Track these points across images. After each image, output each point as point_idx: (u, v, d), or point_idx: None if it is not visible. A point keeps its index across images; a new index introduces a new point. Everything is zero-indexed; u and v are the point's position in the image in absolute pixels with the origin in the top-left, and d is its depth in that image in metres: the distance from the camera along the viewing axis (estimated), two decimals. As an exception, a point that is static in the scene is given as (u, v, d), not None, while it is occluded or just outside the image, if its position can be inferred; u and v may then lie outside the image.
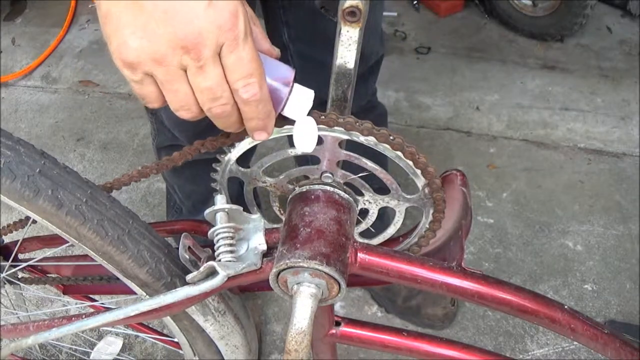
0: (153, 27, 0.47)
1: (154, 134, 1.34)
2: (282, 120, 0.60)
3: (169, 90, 0.51)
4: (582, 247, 1.69)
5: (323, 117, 0.61)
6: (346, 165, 0.67)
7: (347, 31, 0.56)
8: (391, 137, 0.61)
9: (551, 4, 2.38)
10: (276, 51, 0.61)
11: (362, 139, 0.62)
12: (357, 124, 0.61)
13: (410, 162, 0.63)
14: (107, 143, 2.11)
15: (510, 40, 2.50)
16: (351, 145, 0.65)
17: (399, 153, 0.62)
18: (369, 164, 0.65)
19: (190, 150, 0.68)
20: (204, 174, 1.31)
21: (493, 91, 2.25)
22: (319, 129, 0.62)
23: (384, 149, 0.62)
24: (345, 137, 0.62)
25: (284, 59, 1.19)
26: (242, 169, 0.70)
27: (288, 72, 0.58)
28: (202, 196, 1.43)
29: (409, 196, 0.68)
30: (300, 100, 0.58)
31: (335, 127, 0.61)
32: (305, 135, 0.59)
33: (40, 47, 2.56)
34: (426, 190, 0.66)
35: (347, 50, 0.58)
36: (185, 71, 0.50)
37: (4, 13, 2.78)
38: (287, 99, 0.58)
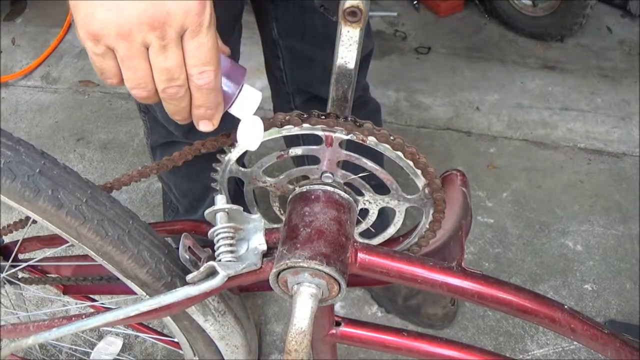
0: (123, 2, 0.48)
1: (147, 132, 1.34)
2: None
3: (128, 67, 0.52)
4: (582, 247, 1.69)
5: (323, 117, 0.61)
6: (346, 165, 0.67)
7: (348, 31, 0.56)
8: (392, 138, 0.61)
9: (551, 4, 2.38)
10: (227, 49, 0.61)
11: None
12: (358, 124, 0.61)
13: (411, 162, 0.63)
14: (107, 143, 2.11)
15: (510, 40, 2.50)
16: (350, 145, 0.65)
17: (400, 153, 0.62)
18: (369, 164, 0.65)
19: (191, 150, 0.68)
20: (201, 172, 1.31)
21: (493, 91, 2.25)
22: (324, 129, 0.62)
23: (385, 149, 0.62)
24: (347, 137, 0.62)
25: (274, 54, 1.19)
26: (242, 169, 0.70)
27: (240, 71, 0.59)
28: (199, 194, 1.43)
29: (409, 196, 0.68)
30: (248, 100, 0.59)
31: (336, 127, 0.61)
32: (251, 133, 0.60)
33: (40, 47, 2.56)
34: (426, 191, 0.66)
35: (347, 50, 0.58)
36: (147, 49, 0.51)
37: (4, 13, 2.78)
38: (236, 97, 0.58)
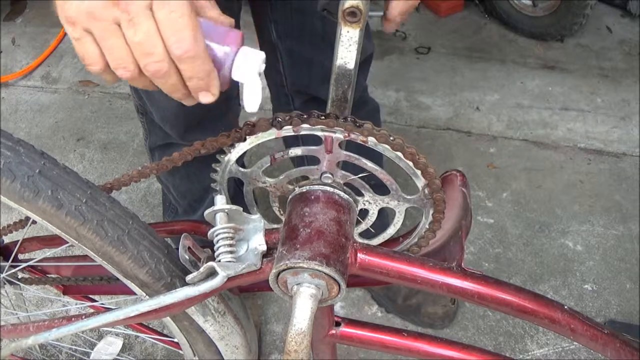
0: None
1: (145, 134, 1.34)
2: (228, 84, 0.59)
3: (106, 48, 0.52)
4: (582, 247, 1.69)
5: (323, 117, 0.61)
6: (345, 165, 0.67)
7: (348, 31, 0.56)
8: (391, 138, 0.61)
9: (551, 4, 2.38)
10: (228, 20, 0.59)
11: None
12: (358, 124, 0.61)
13: (410, 163, 0.63)
14: (107, 143, 2.11)
15: (510, 40, 2.50)
16: (349, 145, 0.65)
17: (399, 153, 0.62)
18: (368, 165, 0.65)
19: (190, 151, 0.68)
20: (199, 173, 1.31)
21: (493, 91, 2.25)
22: (323, 130, 0.62)
23: (384, 149, 0.62)
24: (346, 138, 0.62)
25: (273, 56, 1.19)
26: (242, 170, 0.70)
27: (233, 34, 0.57)
28: (197, 195, 1.43)
29: (409, 197, 0.68)
30: (247, 62, 0.57)
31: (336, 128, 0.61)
32: (252, 96, 0.58)
33: (40, 47, 2.56)
34: (426, 191, 0.66)
35: (347, 50, 0.58)
36: (121, 27, 0.51)
37: (4, 13, 2.78)
38: (232, 62, 0.56)
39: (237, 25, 1.10)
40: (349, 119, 0.61)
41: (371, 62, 1.23)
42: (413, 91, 2.26)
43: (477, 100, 2.21)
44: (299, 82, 1.18)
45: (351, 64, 0.60)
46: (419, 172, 0.64)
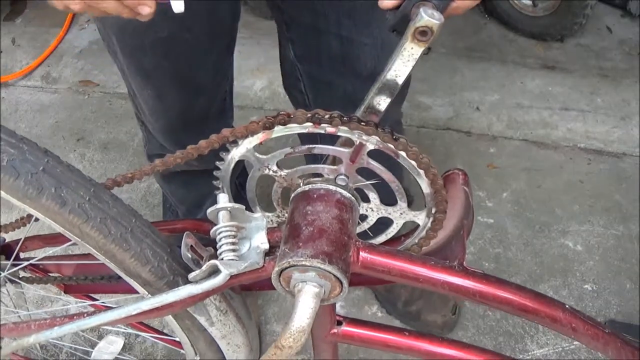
0: None
1: (145, 141, 1.34)
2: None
3: None
4: (582, 247, 1.69)
5: (364, 123, 0.61)
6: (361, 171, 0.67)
7: (412, 48, 0.56)
8: (421, 156, 0.62)
9: (551, 4, 2.38)
10: None
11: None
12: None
13: (429, 182, 0.64)
14: (107, 143, 2.10)
15: (510, 40, 2.50)
16: (371, 153, 0.65)
17: (422, 172, 0.63)
18: (390, 177, 0.65)
19: (218, 139, 0.68)
20: (195, 181, 1.31)
21: (493, 91, 2.25)
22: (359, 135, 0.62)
23: (410, 165, 0.62)
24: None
25: (294, 76, 1.16)
26: (258, 155, 0.69)
27: None
28: (194, 201, 1.43)
29: (413, 212, 0.69)
30: None
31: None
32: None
33: (40, 47, 2.55)
34: (433, 210, 0.67)
35: (404, 65, 0.58)
36: None
37: (4, 13, 2.77)
38: None
39: (233, 33, 1.10)
40: (386, 129, 0.61)
41: (408, 89, 1.18)
42: (413, 91, 2.25)
43: (477, 100, 2.21)
44: (321, 104, 1.16)
45: (401, 79, 0.59)
46: (432, 193, 0.64)
